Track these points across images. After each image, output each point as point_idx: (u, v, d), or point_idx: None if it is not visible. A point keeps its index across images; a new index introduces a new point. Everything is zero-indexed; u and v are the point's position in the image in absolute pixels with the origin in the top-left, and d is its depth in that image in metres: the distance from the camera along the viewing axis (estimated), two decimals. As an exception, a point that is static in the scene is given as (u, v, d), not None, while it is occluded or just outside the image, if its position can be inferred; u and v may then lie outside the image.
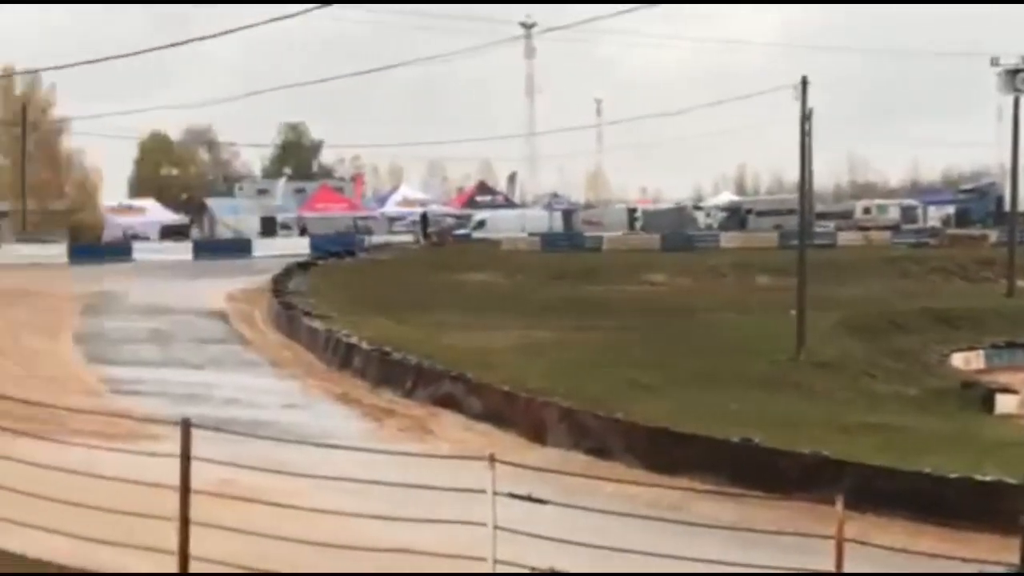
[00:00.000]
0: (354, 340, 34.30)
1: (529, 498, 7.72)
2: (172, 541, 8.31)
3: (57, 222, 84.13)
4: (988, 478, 17.04)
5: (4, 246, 76.09)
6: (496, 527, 7.61)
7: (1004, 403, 29.06)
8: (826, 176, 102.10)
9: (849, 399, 26.95)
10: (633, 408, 25.20)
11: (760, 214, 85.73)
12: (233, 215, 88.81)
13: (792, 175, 56.92)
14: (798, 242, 37.77)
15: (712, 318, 42.86)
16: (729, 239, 77.16)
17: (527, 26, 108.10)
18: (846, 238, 74.75)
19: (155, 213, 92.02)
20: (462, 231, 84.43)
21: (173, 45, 43.92)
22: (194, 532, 8.34)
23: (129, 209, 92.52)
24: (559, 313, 41.85)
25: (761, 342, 35.67)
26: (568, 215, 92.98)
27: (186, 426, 8.23)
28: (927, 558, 8.69)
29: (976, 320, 41.29)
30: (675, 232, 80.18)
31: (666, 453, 22.72)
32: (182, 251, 74.30)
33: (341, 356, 34.21)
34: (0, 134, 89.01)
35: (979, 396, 29.65)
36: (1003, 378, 33.45)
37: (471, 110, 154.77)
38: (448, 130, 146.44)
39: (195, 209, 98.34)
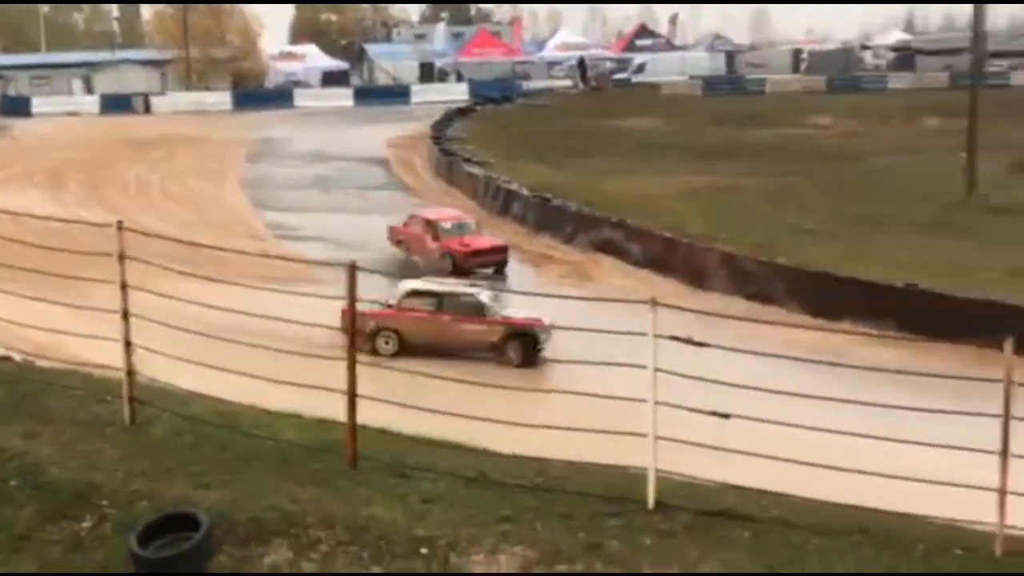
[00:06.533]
0: (514, 186, 34.44)
1: (690, 341, 7.63)
2: (336, 379, 8.45)
3: (220, 70, 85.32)
4: None
5: (170, 93, 77.75)
6: (657, 370, 7.56)
7: None
8: (1000, 12, 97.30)
9: (1021, 243, 26.08)
10: (796, 253, 24.89)
11: (930, 53, 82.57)
12: (392, 61, 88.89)
13: (965, 12, 54.63)
14: (970, 82, 36.42)
15: (879, 162, 41.83)
16: (897, 80, 74.73)
17: None
18: (1022, 78, 71.64)
19: (315, 59, 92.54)
20: (621, 75, 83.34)
21: None
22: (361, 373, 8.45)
23: (290, 56, 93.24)
24: (721, 158, 41.23)
25: (930, 185, 34.73)
26: (731, 57, 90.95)
27: (352, 270, 8.29)
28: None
29: None
30: (842, 74, 78.04)
31: (828, 298, 22.47)
32: (342, 98, 74.90)
33: (501, 202, 34.42)
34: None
35: None
36: None
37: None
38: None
39: (354, 55, 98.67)
